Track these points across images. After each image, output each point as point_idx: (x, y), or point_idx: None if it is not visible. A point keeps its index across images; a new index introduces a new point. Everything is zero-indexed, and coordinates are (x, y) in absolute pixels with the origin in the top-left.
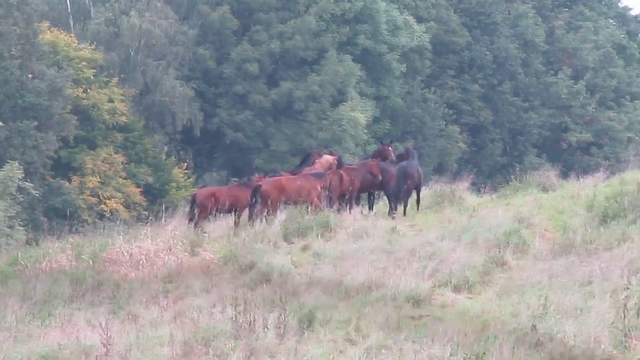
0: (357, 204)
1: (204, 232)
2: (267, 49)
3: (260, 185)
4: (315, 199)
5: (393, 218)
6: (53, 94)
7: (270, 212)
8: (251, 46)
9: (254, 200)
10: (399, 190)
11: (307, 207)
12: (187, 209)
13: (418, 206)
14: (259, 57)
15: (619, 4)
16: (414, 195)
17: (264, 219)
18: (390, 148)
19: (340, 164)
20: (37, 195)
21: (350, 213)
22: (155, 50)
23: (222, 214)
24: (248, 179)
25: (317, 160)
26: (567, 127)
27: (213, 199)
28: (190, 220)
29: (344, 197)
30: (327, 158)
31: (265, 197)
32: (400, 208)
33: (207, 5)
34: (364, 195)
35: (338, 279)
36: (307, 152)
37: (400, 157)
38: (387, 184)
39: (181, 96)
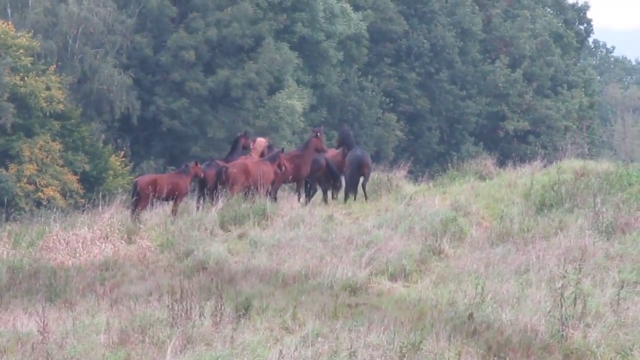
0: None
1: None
2: (204, 37)
3: (227, 168)
4: (271, 185)
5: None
6: None
7: (235, 195)
8: (188, 34)
9: (217, 183)
10: (352, 179)
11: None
12: (130, 196)
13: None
14: (195, 45)
15: None
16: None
17: (201, 207)
18: (319, 138)
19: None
20: None
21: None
22: (93, 39)
23: (160, 202)
24: (186, 167)
25: (252, 146)
26: (505, 116)
27: (153, 186)
28: (134, 207)
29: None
30: (260, 141)
31: (232, 180)
32: (339, 195)
33: None
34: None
35: (275, 267)
36: (236, 137)
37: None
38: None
39: (119, 84)
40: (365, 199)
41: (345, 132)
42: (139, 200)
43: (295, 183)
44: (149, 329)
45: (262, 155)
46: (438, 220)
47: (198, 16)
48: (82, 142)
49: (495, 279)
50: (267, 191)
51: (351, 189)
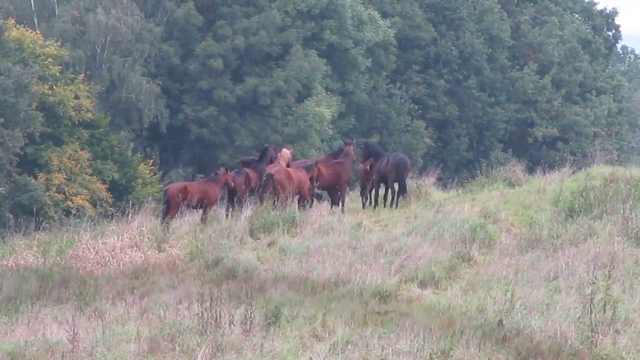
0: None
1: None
2: (231, 45)
3: (273, 174)
4: (307, 192)
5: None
6: (19, 90)
7: (281, 201)
8: (215, 42)
9: (260, 189)
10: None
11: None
12: (160, 204)
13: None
14: (223, 53)
15: None
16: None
17: (230, 215)
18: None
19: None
20: (3, 192)
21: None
22: (121, 47)
23: (190, 210)
24: (215, 174)
25: (280, 155)
26: (533, 122)
27: (183, 193)
28: (164, 215)
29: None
30: (285, 152)
31: (280, 186)
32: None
33: (172, 2)
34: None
35: (304, 275)
36: (264, 147)
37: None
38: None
39: (147, 93)
40: (396, 206)
41: (371, 145)
42: (169, 208)
43: (327, 191)
44: (179, 337)
45: (287, 166)
46: (467, 227)
47: (225, 24)
48: (111, 150)
49: (524, 286)
50: (304, 198)
51: (403, 190)
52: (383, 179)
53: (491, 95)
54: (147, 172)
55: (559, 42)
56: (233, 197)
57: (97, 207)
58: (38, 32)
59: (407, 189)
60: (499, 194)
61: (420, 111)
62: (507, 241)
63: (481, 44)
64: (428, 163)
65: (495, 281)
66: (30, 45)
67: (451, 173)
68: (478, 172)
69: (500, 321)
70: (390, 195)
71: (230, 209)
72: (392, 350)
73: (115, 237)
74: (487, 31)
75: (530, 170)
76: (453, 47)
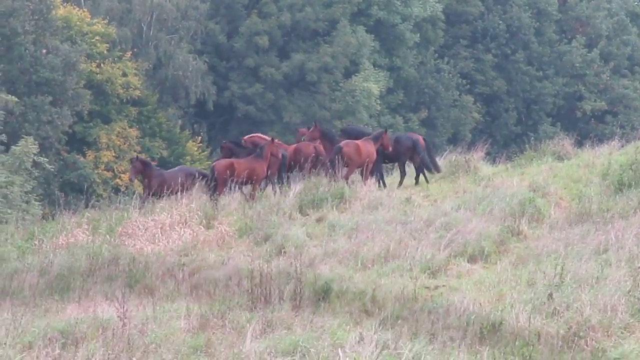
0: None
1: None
2: (277, 22)
3: (342, 148)
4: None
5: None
6: (67, 68)
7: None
8: (261, 19)
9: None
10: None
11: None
12: (209, 181)
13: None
14: (269, 30)
15: None
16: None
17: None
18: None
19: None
20: (53, 170)
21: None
22: (167, 25)
23: (239, 186)
24: (260, 150)
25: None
26: (582, 96)
27: (230, 170)
28: (212, 192)
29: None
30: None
31: (348, 159)
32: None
33: None
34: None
35: (353, 250)
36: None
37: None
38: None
39: (194, 70)
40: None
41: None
42: (217, 185)
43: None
44: (229, 314)
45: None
46: (516, 201)
47: (270, 1)
48: (159, 128)
49: (574, 259)
50: (371, 171)
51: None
52: (392, 160)
53: (539, 69)
54: (195, 149)
55: (606, 15)
56: (281, 172)
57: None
58: (85, 10)
59: (437, 165)
60: (547, 168)
61: (468, 86)
62: (556, 215)
63: (529, 18)
64: (476, 138)
65: (544, 255)
66: (78, 23)
67: (500, 147)
68: (526, 146)
69: (550, 295)
70: (401, 176)
71: (279, 184)
72: (441, 324)
73: (164, 214)
74: (534, 5)
75: (579, 143)
76: (500, 22)
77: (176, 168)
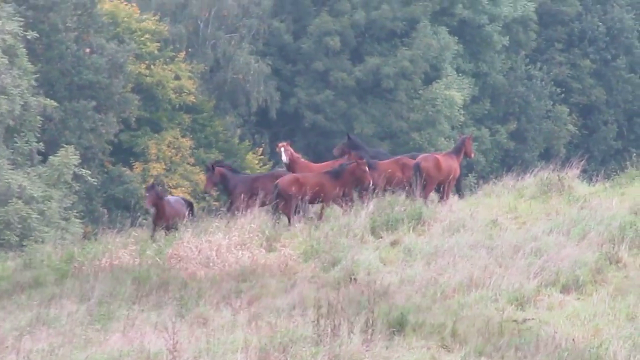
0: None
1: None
2: (350, 21)
3: (420, 162)
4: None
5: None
6: (113, 70)
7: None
8: (332, 17)
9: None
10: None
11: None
12: (272, 198)
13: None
14: (340, 30)
15: None
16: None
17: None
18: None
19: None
20: (95, 183)
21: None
22: (226, 23)
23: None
24: (341, 167)
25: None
26: None
27: (296, 187)
28: (275, 210)
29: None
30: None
31: (426, 176)
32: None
33: None
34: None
35: (432, 278)
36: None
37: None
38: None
39: (256, 73)
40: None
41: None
42: (282, 202)
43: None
44: (292, 348)
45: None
46: (616, 225)
47: None
48: (216, 137)
49: None
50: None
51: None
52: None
53: None
54: (256, 162)
55: None
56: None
57: (200, 201)
58: (134, 5)
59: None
60: None
61: (563, 95)
62: None
63: (632, 20)
64: (571, 153)
65: None
66: (125, 19)
67: (597, 164)
68: (627, 163)
69: None
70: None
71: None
72: None
73: (220, 234)
74: (638, 5)
75: None
76: (600, 23)
77: (175, 197)
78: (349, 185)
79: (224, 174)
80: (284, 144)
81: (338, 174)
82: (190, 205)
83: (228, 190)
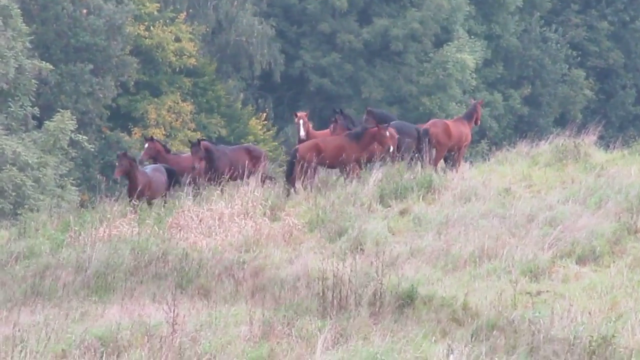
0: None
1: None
2: None
3: (429, 128)
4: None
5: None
6: (111, 32)
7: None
8: None
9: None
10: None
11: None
12: (287, 163)
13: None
14: None
15: None
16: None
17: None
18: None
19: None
20: (93, 149)
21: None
22: None
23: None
24: (362, 130)
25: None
26: None
27: (316, 152)
28: (289, 175)
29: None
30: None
31: (436, 142)
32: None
33: None
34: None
35: (443, 249)
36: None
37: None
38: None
39: (260, 35)
40: None
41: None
42: (300, 168)
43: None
44: (297, 321)
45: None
46: (634, 193)
47: None
48: (217, 102)
49: None
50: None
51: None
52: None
53: None
54: (259, 127)
55: None
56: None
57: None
58: None
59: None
60: None
61: (579, 58)
62: None
63: None
64: (588, 119)
65: None
66: None
67: (615, 130)
68: None
69: None
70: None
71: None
72: (544, 337)
73: (222, 203)
74: None
75: None
76: None
77: (155, 165)
78: (369, 149)
79: (209, 147)
80: (303, 114)
81: (359, 137)
82: (172, 173)
83: (213, 163)
